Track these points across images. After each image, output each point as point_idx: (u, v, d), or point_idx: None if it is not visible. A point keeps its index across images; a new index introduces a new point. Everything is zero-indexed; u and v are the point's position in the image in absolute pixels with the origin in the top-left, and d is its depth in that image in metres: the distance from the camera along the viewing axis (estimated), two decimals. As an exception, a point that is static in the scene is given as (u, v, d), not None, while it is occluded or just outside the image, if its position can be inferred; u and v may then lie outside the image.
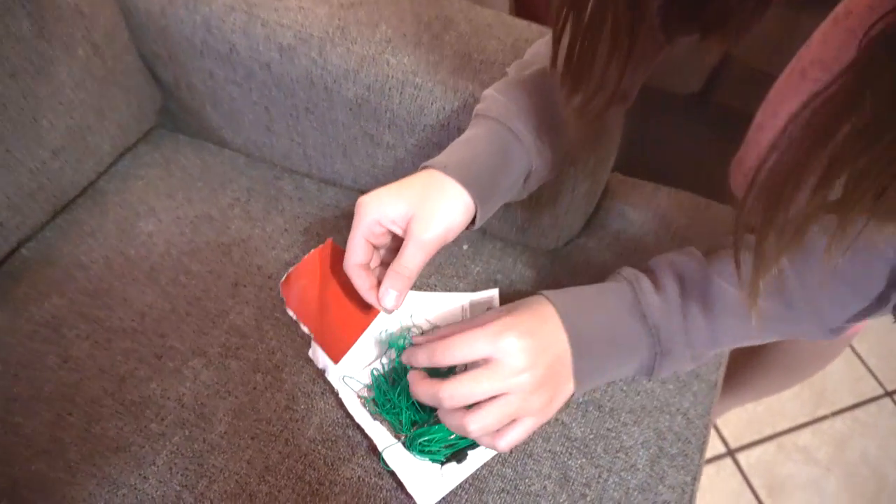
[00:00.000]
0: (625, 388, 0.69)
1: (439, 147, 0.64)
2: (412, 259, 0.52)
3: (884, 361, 1.54)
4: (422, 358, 0.52)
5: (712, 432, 1.37)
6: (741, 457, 1.38)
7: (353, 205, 0.55)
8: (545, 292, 0.54)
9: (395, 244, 0.58)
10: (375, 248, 0.57)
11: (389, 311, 0.56)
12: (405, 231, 0.53)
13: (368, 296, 0.56)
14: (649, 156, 0.85)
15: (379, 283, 0.55)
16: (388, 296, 0.54)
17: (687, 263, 0.55)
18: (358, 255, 0.55)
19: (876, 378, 1.52)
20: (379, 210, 0.53)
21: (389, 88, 0.72)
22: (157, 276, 0.75)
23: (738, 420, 1.43)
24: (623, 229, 0.84)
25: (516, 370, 0.48)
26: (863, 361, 1.54)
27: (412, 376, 0.53)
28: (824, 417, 1.45)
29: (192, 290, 0.74)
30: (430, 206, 0.52)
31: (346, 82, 0.74)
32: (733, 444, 1.40)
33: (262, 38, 0.75)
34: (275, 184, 0.87)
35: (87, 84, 0.77)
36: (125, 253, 0.77)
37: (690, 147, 0.94)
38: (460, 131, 0.66)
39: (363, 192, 0.56)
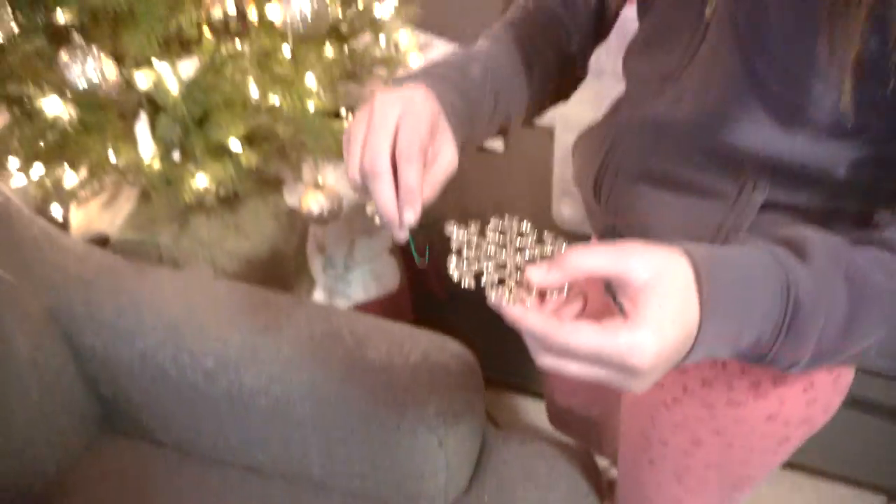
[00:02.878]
0: None
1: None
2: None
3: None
4: (536, 334, 0.41)
5: None
6: None
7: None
8: (686, 250, 0.43)
9: None
10: None
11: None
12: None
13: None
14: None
15: None
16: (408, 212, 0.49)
17: (834, 241, 0.46)
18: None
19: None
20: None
21: (295, 400, 0.90)
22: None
23: None
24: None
25: (635, 371, 0.40)
26: None
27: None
28: None
29: None
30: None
31: (259, 396, 0.91)
32: None
33: (189, 364, 0.94)
34: (203, 477, 1.01)
35: (38, 420, 0.92)
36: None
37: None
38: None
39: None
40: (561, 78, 0.72)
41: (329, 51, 0.99)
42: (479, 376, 0.94)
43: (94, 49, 0.76)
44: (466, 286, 0.46)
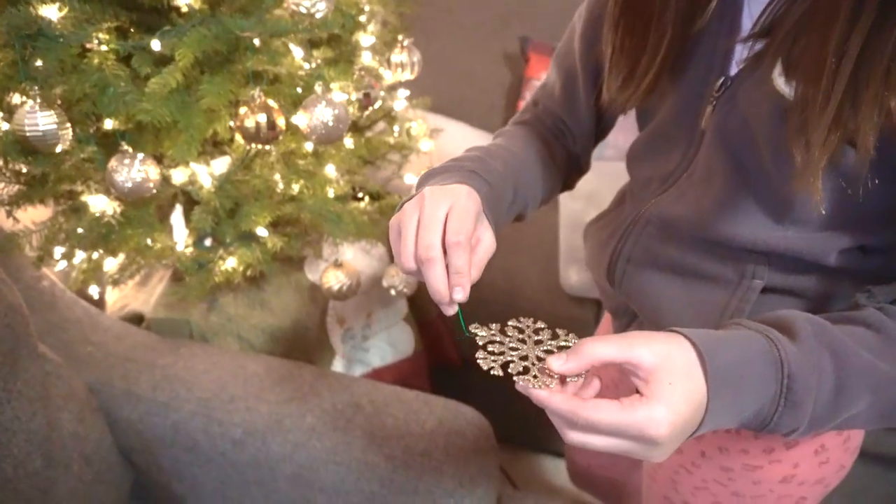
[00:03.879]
0: None
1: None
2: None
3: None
4: (562, 412, 0.46)
5: None
6: None
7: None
8: (687, 334, 0.48)
9: None
10: None
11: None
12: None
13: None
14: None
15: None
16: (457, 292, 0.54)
17: (817, 320, 0.51)
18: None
19: None
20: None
21: (318, 466, 0.96)
22: None
23: None
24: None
25: (653, 442, 0.44)
26: None
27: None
28: None
29: None
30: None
31: (285, 463, 0.97)
32: None
33: (218, 434, 1.00)
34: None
35: (78, 489, 0.98)
36: None
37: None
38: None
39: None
40: (568, 173, 0.81)
41: (348, 142, 1.09)
42: (492, 441, 1.00)
43: (140, 155, 0.86)
44: (497, 374, 0.51)
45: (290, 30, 0.85)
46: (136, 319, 1.16)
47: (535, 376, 0.50)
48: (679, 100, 0.63)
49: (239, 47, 0.87)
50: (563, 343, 0.54)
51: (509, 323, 0.56)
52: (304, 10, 0.86)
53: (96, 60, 0.84)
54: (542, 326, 0.56)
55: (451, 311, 0.55)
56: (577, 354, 0.47)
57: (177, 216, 1.01)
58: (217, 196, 0.93)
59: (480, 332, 0.55)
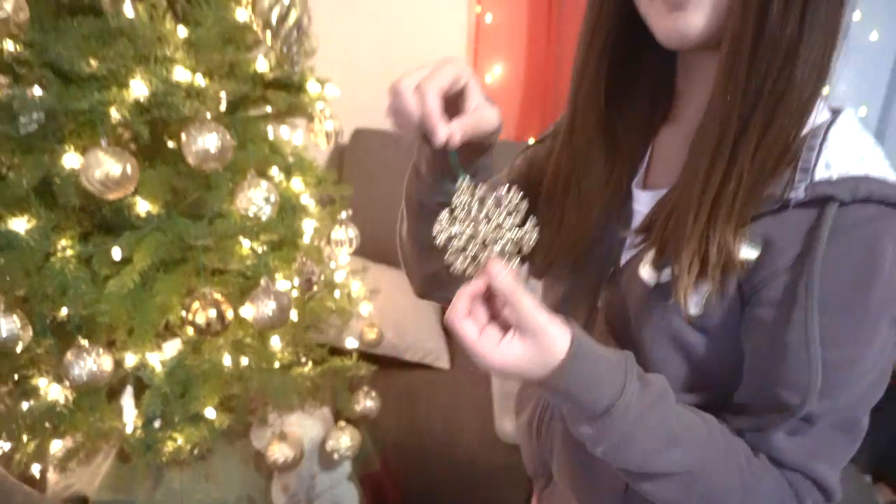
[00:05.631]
0: None
1: None
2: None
3: None
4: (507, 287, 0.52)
5: None
6: None
7: None
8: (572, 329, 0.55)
9: None
10: None
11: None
12: None
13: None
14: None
15: None
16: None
17: (667, 388, 0.60)
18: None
19: None
20: None
21: None
22: None
23: None
24: None
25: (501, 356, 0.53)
26: None
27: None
28: None
29: None
30: None
31: None
32: None
33: None
34: None
35: None
36: None
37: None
38: None
39: None
40: None
41: (292, 313, 1.18)
42: None
43: (97, 349, 0.93)
44: (439, 243, 0.54)
45: (237, 233, 0.96)
46: (80, 501, 1.16)
47: (466, 259, 0.53)
48: (581, 280, 0.73)
49: (192, 247, 0.97)
50: (516, 236, 0.54)
51: (498, 193, 0.54)
52: (251, 214, 0.99)
53: (59, 265, 0.93)
54: (520, 209, 0.54)
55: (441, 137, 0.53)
56: (506, 287, 0.52)
57: (127, 398, 1.06)
58: (167, 381, 0.99)
59: (462, 196, 0.54)
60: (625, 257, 0.69)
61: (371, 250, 1.70)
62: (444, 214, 0.54)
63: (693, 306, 0.58)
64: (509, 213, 0.54)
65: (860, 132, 0.59)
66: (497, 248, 0.53)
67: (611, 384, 0.55)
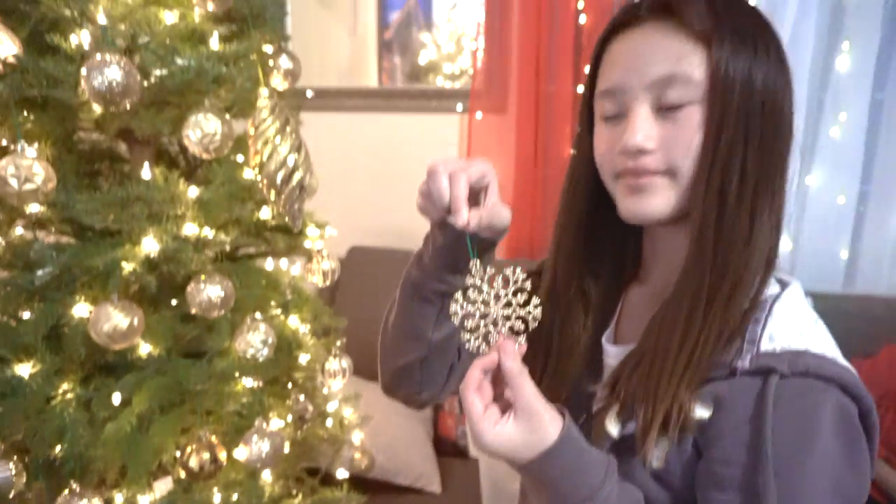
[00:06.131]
0: None
1: None
2: None
3: None
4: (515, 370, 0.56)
5: None
6: None
7: None
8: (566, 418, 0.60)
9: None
10: None
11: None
12: None
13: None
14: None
15: None
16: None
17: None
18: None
19: None
20: None
21: None
22: None
23: None
24: None
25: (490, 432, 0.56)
26: None
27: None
28: None
29: None
30: None
31: None
32: None
33: None
34: None
35: None
36: None
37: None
38: None
39: None
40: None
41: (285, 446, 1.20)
42: None
43: (88, 494, 0.94)
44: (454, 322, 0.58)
45: (235, 372, 1.00)
46: None
47: (479, 337, 0.58)
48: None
49: (190, 390, 1.00)
50: (523, 314, 0.58)
51: (505, 271, 0.59)
52: (248, 356, 1.03)
53: (59, 409, 0.95)
54: (525, 287, 0.59)
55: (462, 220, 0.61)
56: (512, 369, 0.56)
57: (114, 539, 1.05)
58: (158, 524, 1.00)
59: (474, 278, 0.59)
60: (595, 407, 0.72)
61: (364, 367, 1.72)
62: (458, 295, 0.59)
63: (655, 460, 0.62)
64: (517, 292, 0.59)
65: (803, 307, 0.64)
66: (506, 327, 0.58)
67: (592, 476, 0.58)
